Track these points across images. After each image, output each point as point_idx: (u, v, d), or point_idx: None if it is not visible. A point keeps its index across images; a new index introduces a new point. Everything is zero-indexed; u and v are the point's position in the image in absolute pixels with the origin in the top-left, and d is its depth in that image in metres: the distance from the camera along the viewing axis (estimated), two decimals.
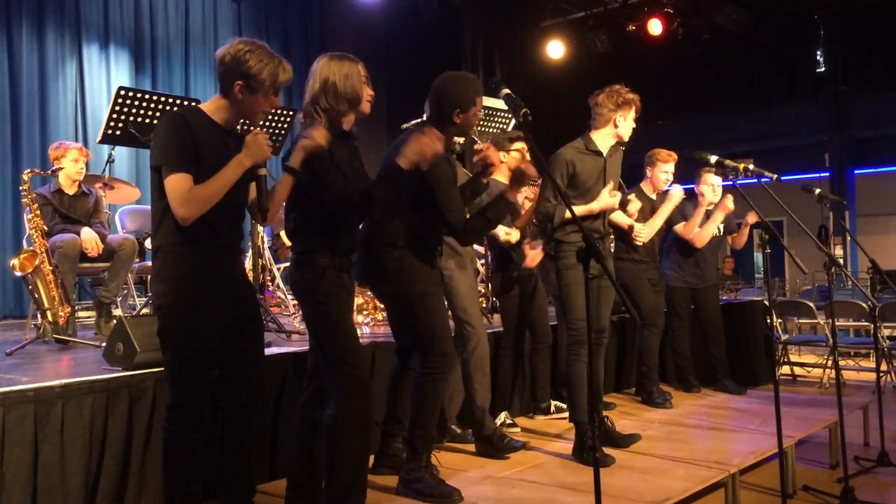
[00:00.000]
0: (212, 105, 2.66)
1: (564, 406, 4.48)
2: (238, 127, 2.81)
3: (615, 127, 3.83)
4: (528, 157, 4.41)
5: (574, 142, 3.90)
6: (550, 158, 3.83)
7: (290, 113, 5.09)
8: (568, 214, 3.68)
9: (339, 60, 2.87)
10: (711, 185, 5.46)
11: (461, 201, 3.20)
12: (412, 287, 3.12)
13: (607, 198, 3.81)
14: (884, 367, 6.35)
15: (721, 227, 5.56)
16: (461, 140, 4.03)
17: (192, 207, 2.50)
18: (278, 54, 2.69)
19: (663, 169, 5.05)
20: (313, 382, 2.96)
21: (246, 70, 2.55)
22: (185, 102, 4.67)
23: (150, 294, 4.57)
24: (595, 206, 3.80)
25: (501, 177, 4.43)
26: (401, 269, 3.11)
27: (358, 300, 5.09)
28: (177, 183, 2.49)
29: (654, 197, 5.13)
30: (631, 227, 4.83)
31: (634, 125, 3.90)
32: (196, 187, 2.51)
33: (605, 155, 3.86)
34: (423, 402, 3.16)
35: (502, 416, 4.35)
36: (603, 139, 3.85)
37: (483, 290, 5.93)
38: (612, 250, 4.56)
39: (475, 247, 6.79)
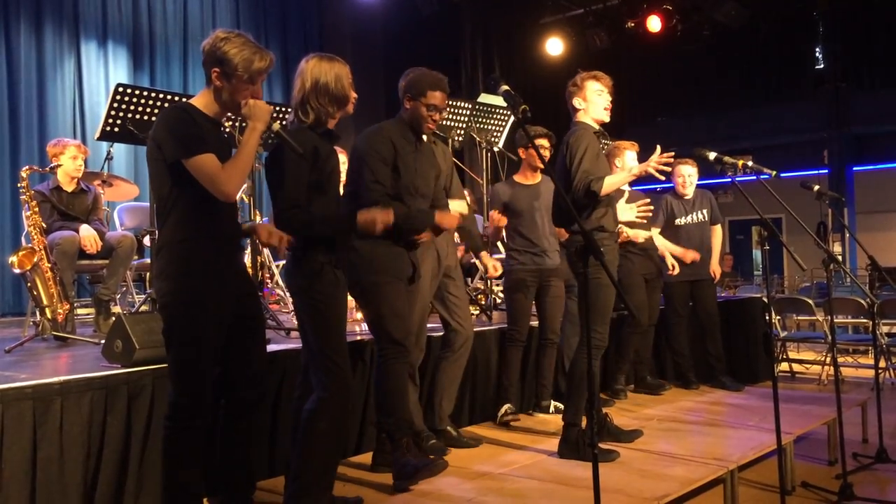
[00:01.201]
0: (201, 99, 2.69)
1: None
2: (226, 124, 2.83)
3: (586, 104, 3.80)
4: (546, 154, 4.46)
5: (580, 126, 3.83)
6: (579, 135, 3.72)
7: (289, 110, 5.09)
8: (610, 182, 3.62)
9: (329, 61, 2.93)
10: (683, 176, 5.51)
11: (383, 176, 3.20)
12: (366, 277, 3.21)
13: (650, 162, 3.73)
14: (882, 363, 6.36)
15: (706, 215, 5.58)
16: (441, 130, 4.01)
17: (233, 181, 2.56)
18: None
19: (631, 157, 5.02)
20: (307, 378, 2.97)
21: (221, 56, 2.59)
22: (184, 100, 4.67)
23: (149, 291, 4.56)
24: (636, 168, 3.76)
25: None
26: (357, 260, 3.18)
27: None
28: (208, 163, 2.52)
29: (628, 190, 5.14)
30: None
31: (609, 103, 3.83)
32: (227, 164, 2.57)
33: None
34: (383, 388, 3.24)
35: (505, 408, 4.35)
36: (594, 118, 3.83)
37: (482, 287, 5.93)
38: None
39: None
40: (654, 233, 5.40)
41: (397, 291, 3.26)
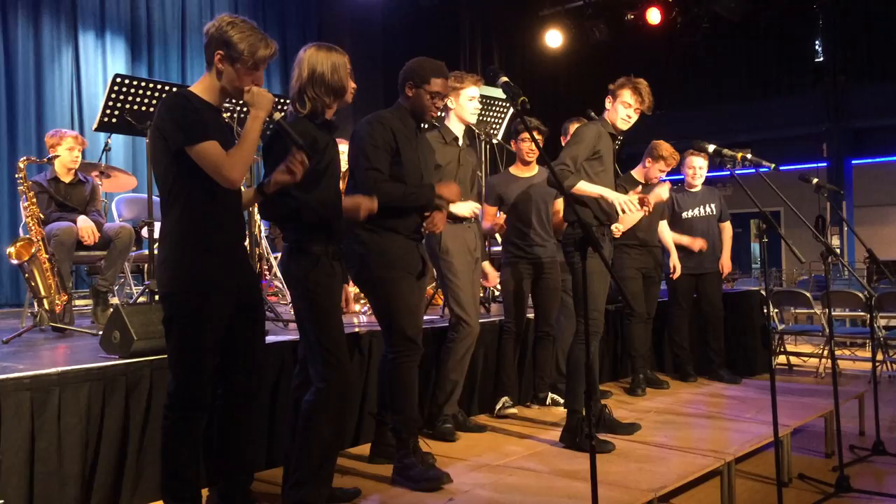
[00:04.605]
0: (200, 86, 2.67)
1: (562, 401, 4.48)
2: (225, 115, 2.82)
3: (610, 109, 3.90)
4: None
5: (596, 121, 3.93)
6: (580, 128, 3.85)
7: (288, 102, 5.08)
8: (583, 188, 3.67)
9: (326, 51, 2.90)
10: (693, 168, 5.51)
11: (383, 164, 3.16)
12: (374, 272, 3.17)
13: (625, 197, 3.73)
14: (879, 356, 6.37)
15: (714, 209, 5.57)
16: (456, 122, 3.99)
17: (238, 168, 2.55)
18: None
19: (662, 167, 5.03)
20: (305, 369, 2.97)
21: (227, 39, 2.57)
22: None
23: (147, 282, 4.56)
24: (611, 195, 3.73)
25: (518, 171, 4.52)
26: (366, 252, 3.16)
27: (355, 289, 5.09)
28: (212, 150, 2.51)
29: (641, 184, 5.14)
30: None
31: (628, 118, 3.88)
32: (231, 150, 2.56)
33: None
34: (393, 386, 3.20)
35: (502, 401, 4.36)
36: (612, 122, 3.91)
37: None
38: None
39: None
40: (662, 225, 5.39)
41: (410, 287, 3.22)
